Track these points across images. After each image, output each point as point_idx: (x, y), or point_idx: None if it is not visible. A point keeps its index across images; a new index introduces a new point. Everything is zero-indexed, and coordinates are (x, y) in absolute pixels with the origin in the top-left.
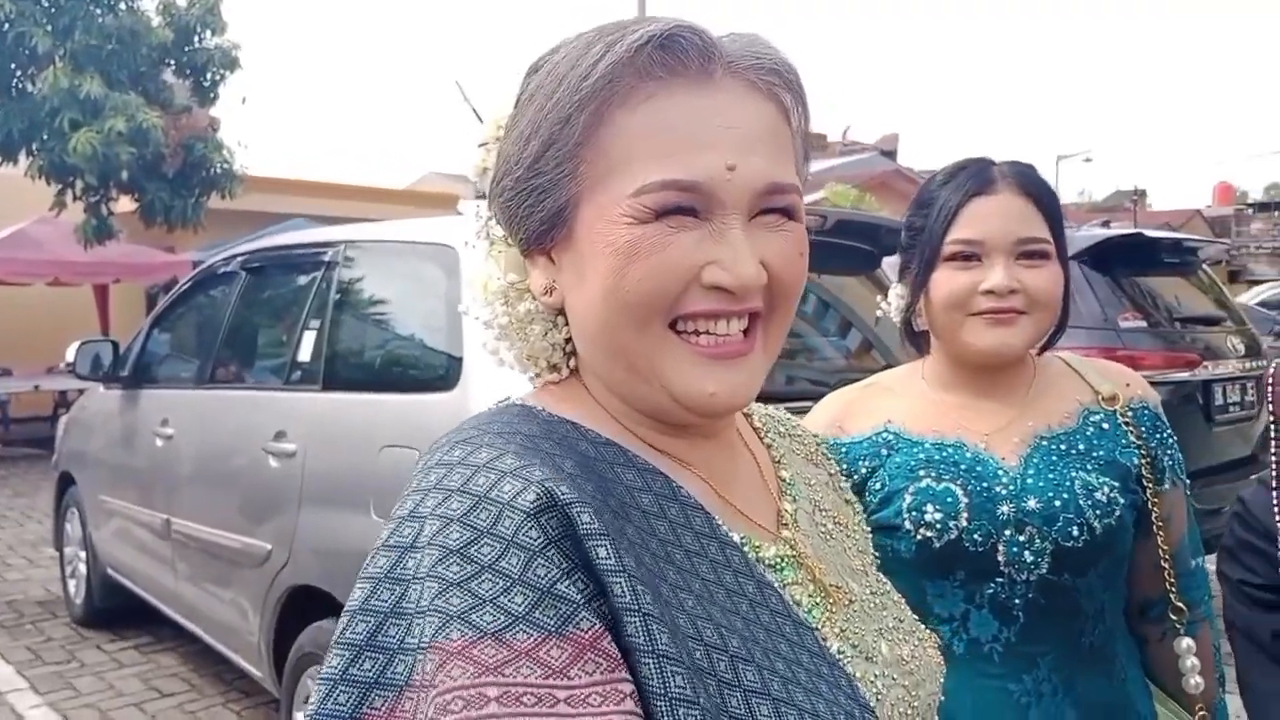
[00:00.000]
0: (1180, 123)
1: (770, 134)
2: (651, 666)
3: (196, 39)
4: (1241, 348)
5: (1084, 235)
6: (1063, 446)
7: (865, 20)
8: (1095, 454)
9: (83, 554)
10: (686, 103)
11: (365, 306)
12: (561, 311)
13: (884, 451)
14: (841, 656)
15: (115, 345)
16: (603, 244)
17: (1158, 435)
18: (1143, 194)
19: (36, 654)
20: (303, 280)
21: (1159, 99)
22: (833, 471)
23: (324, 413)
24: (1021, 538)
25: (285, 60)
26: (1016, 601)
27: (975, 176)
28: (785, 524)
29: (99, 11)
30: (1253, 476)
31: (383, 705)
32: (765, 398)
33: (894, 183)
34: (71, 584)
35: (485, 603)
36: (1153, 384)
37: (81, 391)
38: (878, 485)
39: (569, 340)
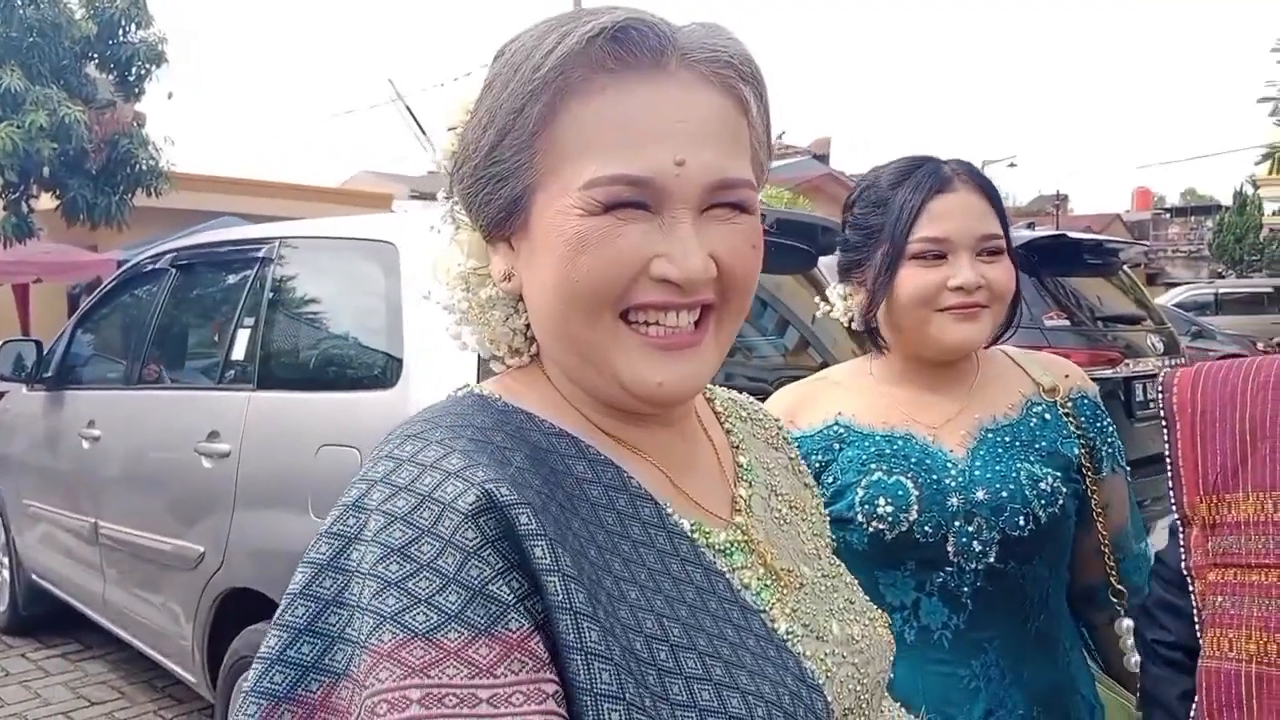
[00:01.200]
0: (1100, 129)
1: (723, 128)
2: (579, 663)
3: (121, 32)
4: (1160, 346)
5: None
6: (1007, 438)
7: (799, 26)
8: (1038, 444)
9: (6, 560)
10: (638, 95)
11: (301, 304)
12: (523, 298)
13: (836, 445)
14: (791, 637)
15: (39, 345)
16: (554, 234)
17: (1097, 425)
18: (1065, 199)
19: None
20: (236, 278)
21: (1080, 106)
22: (793, 455)
23: (259, 412)
24: (970, 528)
25: (214, 55)
26: (965, 590)
27: (933, 175)
28: (739, 510)
29: (19, 4)
30: (1161, 524)
31: (318, 690)
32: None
33: (826, 186)
34: None
35: (420, 602)
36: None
37: (2, 394)
38: (830, 479)
39: (530, 326)
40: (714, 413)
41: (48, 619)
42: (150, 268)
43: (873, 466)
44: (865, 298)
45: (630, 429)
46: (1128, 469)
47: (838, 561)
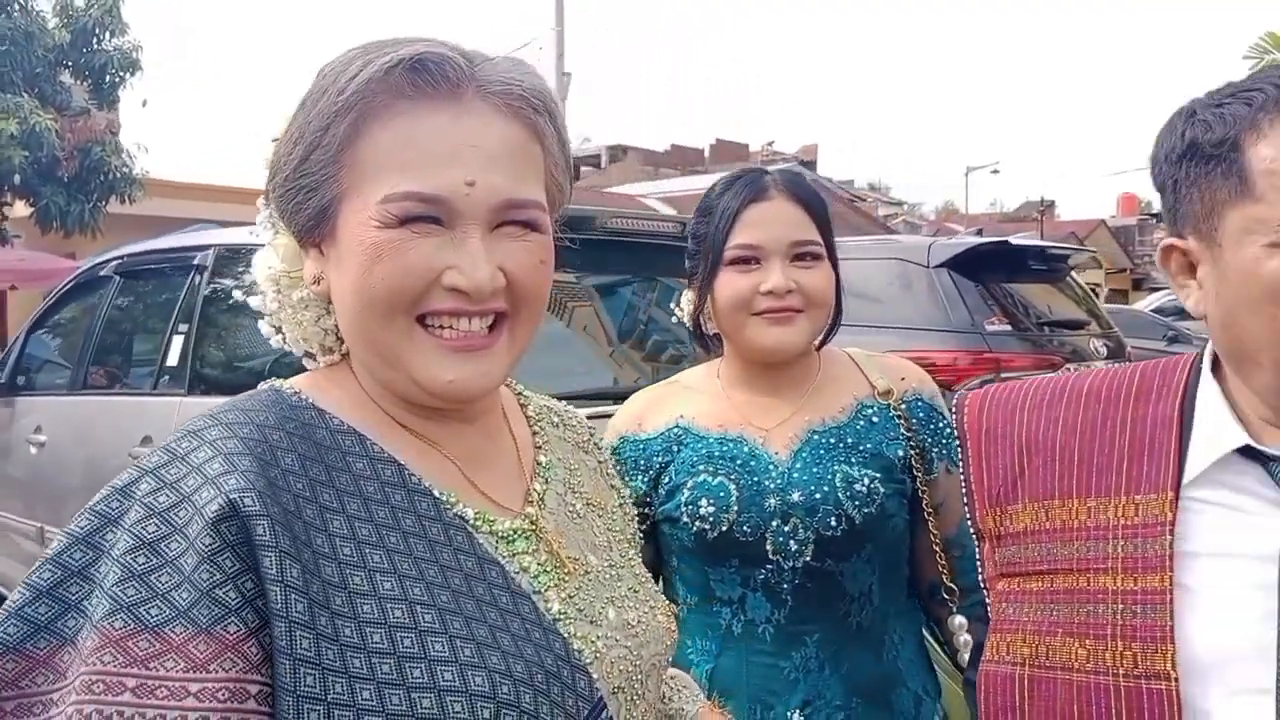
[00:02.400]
0: (1085, 134)
1: (515, 153)
2: (288, 667)
3: (95, 40)
4: (1104, 350)
5: (952, 243)
6: (831, 440)
7: (788, 34)
8: (862, 446)
9: None
10: (434, 121)
11: (235, 310)
12: (332, 300)
13: (675, 447)
14: (563, 618)
15: None
16: (355, 243)
17: (931, 426)
18: (1051, 204)
19: None
20: (173, 284)
21: (1065, 111)
22: (602, 459)
23: (188, 416)
24: (787, 527)
25: (189, 62)
26: (785, 586)
27: (750, 185)
28: (531, 501)
29: None
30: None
31: (45, 648)
32: None
33: None
34: None
35: (157, 596)
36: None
37: None
38: (666, 479)
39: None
40: (525, 416)
41: None
42: (97, 275)
43: (701, 468)
44: (694, 301)
45: (429, 424)
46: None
47: (630, 554)
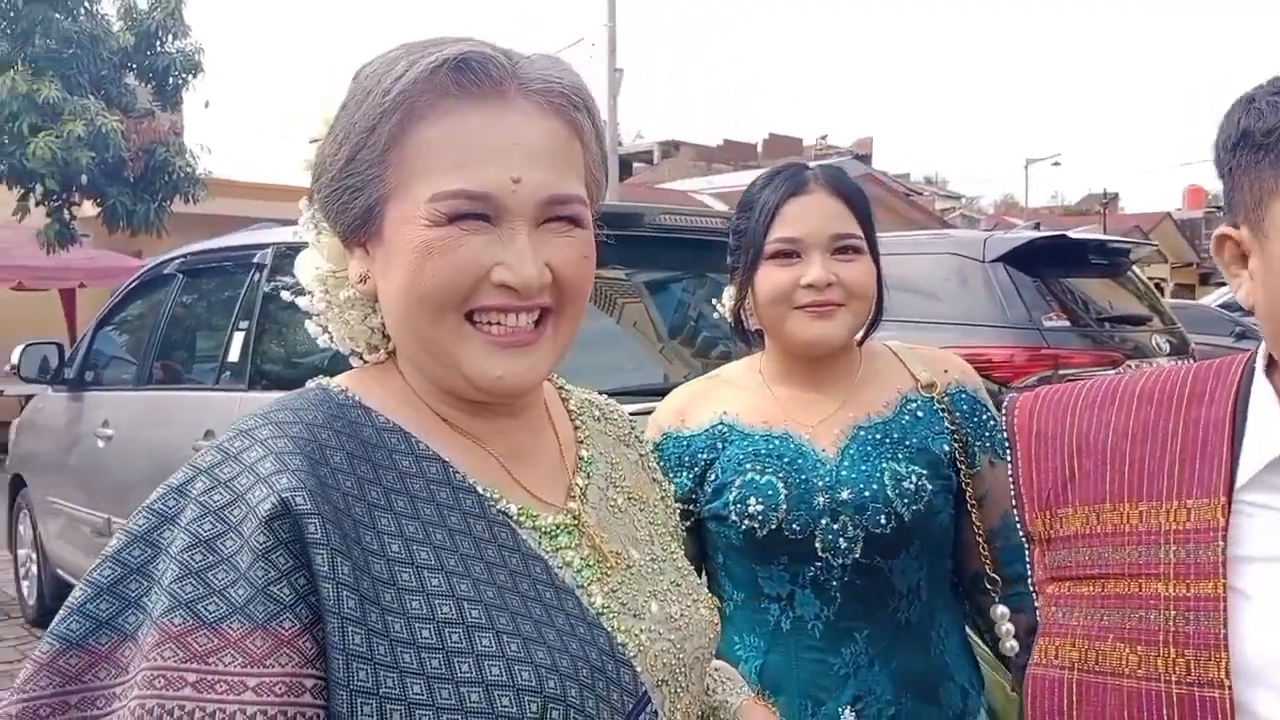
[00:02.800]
0: (1151, 125)
1: (557, 150)
2: (341, 662)
3: (158, 43)
4: (1167, 347)
5: (1009, 237)
6: (878, 435)
7: (843, 25)
8: (908, 442)
9: (34, 555)
10: (479, 119)
11: (294, 307)
12: (378, 298)
13: (719, 444)
14: (606, 612)
15: (61, 348)
16: (404, 242)
17: (974, 419)
18: (1114, 197)
19: None
20: (234, 282)
21: (1129, 101)
22: (643, 453)
23: (249, 411)
24: (836, 525)
25: (250, 62)
26: (834, 583)
27: (790, 179)
28: (574, 496)
29: (58, 16)
30: None
31: (107, 643)
32: None
33: (866, 187)
34: (25, 585)
35: (214, 593)
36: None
37: (32, 395)
38: (713, 476)
39: (385, 325)
40: (567, 410)
41: None
42: (161, 273)
43: (747, 466)
44: (735, 296)
45: (474, 420)
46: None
47: (672, 548)
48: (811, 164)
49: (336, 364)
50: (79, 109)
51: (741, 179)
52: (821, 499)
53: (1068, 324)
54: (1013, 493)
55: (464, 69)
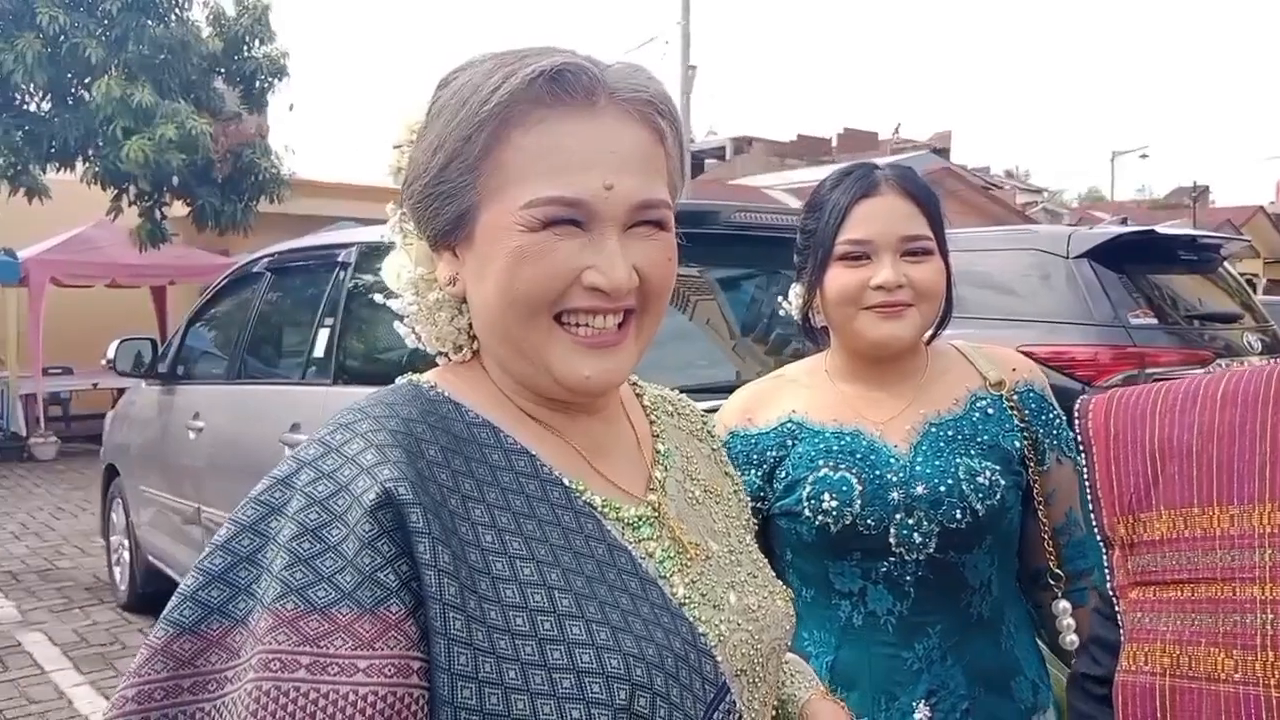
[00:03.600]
0: (1243, 115)
1: (645, 156)
2: (443, 647)
3: (245, 48)
4: (1259, 345)
5: (1094, 233)
6: (950, 432)
7: (920, 16)
8: (980, 439)
9: (126, 542)
10: (572, 128)
11: (377, 304)
12: (465, 300)
13: (789, 441)
14: (687, 603)
15: (154, 343)
16: (498, 247)
17: (1043, 417)
18: (1204, 190)
19: (82, 636)
20: (320, 280)
21: (1221, 90)
22: (715, 447)
23: (334, 405)
24: (910, 520)
25: (332, 64)
26: (907, 578)
27: (861, 180)
28: (653, 489)
29: (151, 23)
30: None
31: (219, 628)
32: None
33: (944, 181)
34: (117, 571)
35: (322, 579)
36: (1164, 380)
37: (125, 389)
38: (783, 474)
39: (472, 325)
40: (642, 406)
41: (163, 597)
42: (249, 271)
43: (820, 463)
44: (803, 296)
45: (557, 416)
46: (1076, 458)
47: (748, 540)
48: (881, 164)
49: (414, 359)
50: (170, 113)
51: (815, 174)
52: (896, 494)
53: (1155, 321)
54: (1089, 497)
55: (558, 79)
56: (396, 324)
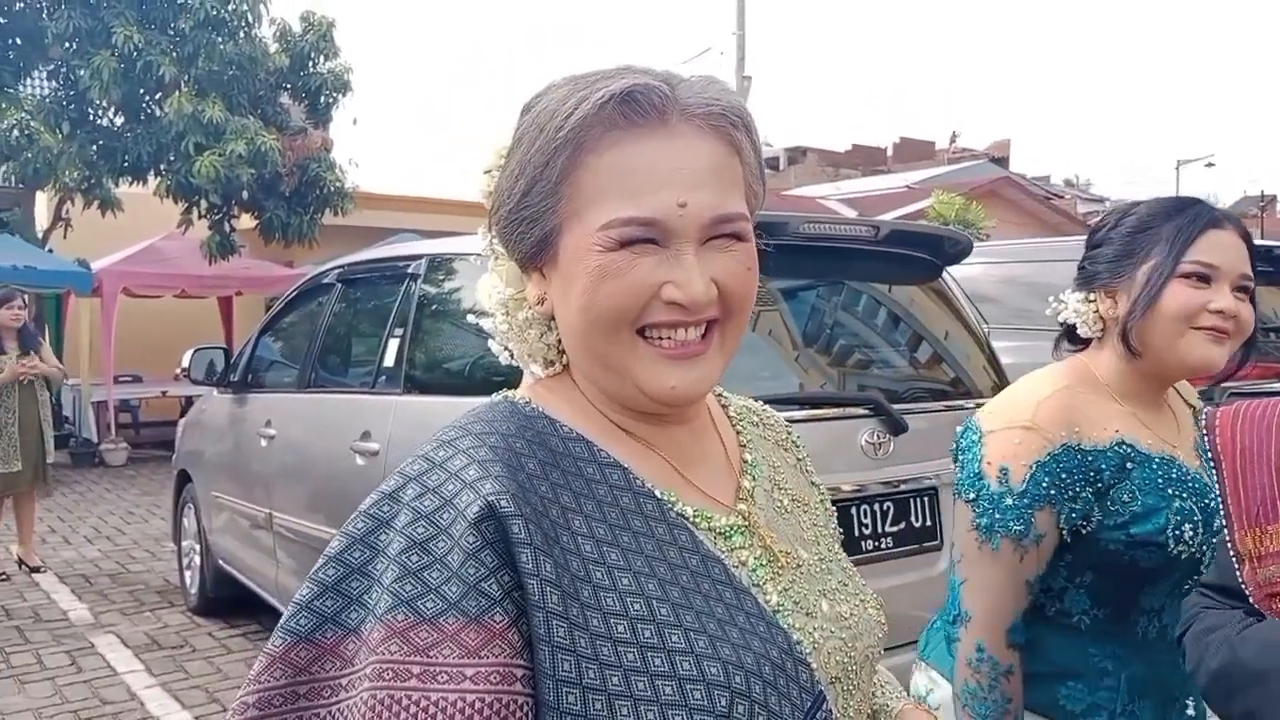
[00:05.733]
0: None
1: (719, 170)
2: (546, 653)
3: (311, 64)
4: None
5: None
6: (1208, 454)
7: (976, 24)
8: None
9: (197, 547)
10: (644, 148)
11: (445, 315)
12: (554, 317)
13: (1127, 465)
14: (781, 610)
15: (227, 352)
16: (579, 267)
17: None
18: (1272, 199)
19: (154, 639)
20: (389, 291)
21: None
22: (801, 456)
23: (404, 414)
24: (1215, 541)
25: (393, 78)
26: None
27: (1208, 211)
28: (743, 498)
29: (220, 40)
30: None
31: (332, 637)
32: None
33: (1003, 190)
34: (188, 575)
35: (430, 591)
36: (1241, 395)
37: (197, 396)
38: (1124, 497)
39: (561, 341)
40: (728, 416)
41: (232, 601)
42: (320, 282)
43: (1171, 493)
44: (1125, 308)
45: (647, 427)
46: None
47: (836, 548)
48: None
49: (476, 370)
50: (239, 128)
51: (870, 184)
52: (1218, 520)
53: None
54: (1223, 510)
55: (629, 102)
56: (490, 343)
